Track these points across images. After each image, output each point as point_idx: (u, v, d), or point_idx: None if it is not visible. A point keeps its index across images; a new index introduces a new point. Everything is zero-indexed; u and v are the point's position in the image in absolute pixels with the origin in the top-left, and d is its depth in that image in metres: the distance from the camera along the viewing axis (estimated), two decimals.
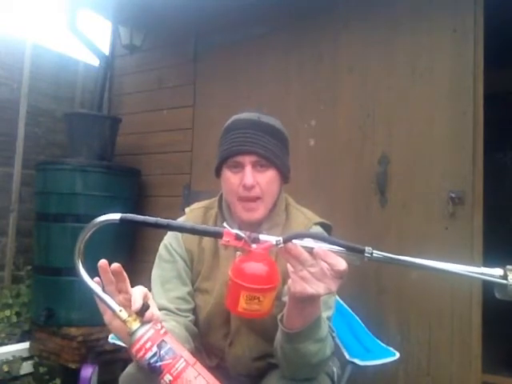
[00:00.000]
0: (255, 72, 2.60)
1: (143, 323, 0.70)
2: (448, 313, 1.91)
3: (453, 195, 1.93)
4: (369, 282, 2.08)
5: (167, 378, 0.68)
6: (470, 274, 0.69)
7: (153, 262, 1.19)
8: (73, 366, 2.41)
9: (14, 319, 2.77)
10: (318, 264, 0.74)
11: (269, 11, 2.53)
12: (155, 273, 1.15)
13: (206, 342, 1.17)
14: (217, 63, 2.78)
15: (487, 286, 0.72)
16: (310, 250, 0.75)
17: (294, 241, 0.75)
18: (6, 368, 2.42)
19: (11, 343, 2.63)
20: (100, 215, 0.76)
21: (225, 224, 0.78)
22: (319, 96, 2.37)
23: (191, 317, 1.11)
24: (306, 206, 1.23)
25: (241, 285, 0.74)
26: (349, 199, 2.22)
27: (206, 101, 2.79)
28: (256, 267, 0.75)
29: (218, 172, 1.14)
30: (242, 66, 2.66)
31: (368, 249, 0.71)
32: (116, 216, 0.75)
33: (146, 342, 0.68)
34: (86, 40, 2.93)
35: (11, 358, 2.49)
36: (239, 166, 1.07)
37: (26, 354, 2.59)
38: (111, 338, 1.69)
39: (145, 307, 0.72)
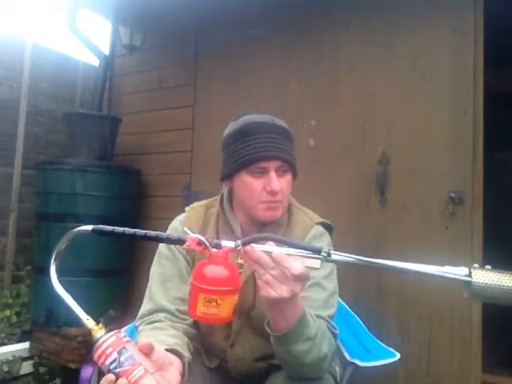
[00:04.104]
0: (255, 72, 2.60)
1: (107, 332, 0.71)
2: (448, 312, 1.91)
3: (453, 195, 1.93)
4: (369, 281, 2.08)
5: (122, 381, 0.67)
6: (434, 273, 0.69)
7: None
8: (73, 366, 2.42)
9: (14, 319, 2.78)
10: (278, 267, 0.75)
11: (269, 11, 2.53)
12: (154, 270, 1.14)
13: (206, 342, 1.16)
14: (217, 63, 2.78)
15: None
16: (271, 254, 0.76)
17: (255, 244, 0.75)
18: (5, 368, 2.42)
19: (11, 343, 2.63)
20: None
21: (185, 229, 0.80)
22: (319, 96, 2.37)
23: (189, 320, 1.09)
24: (305, 205, 1.24)
25: (199, 287, 0.74)
26: (349, 199, 2.22)
27: (206, 101, 2.79)
28: (214, 270, 0.75)
29: (230, 176, 1.11)
30: (242, 66, 2.66)
31: (324, 249, 0.72)
32: (88, 228, 0.80)
33: (106, 348, 0.69)
34: (86, 40, 2.93)
35: (11, 358, 2.49)
36: (263, 171, 1.05)
37: (26, 354, 2.59)
38: None
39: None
